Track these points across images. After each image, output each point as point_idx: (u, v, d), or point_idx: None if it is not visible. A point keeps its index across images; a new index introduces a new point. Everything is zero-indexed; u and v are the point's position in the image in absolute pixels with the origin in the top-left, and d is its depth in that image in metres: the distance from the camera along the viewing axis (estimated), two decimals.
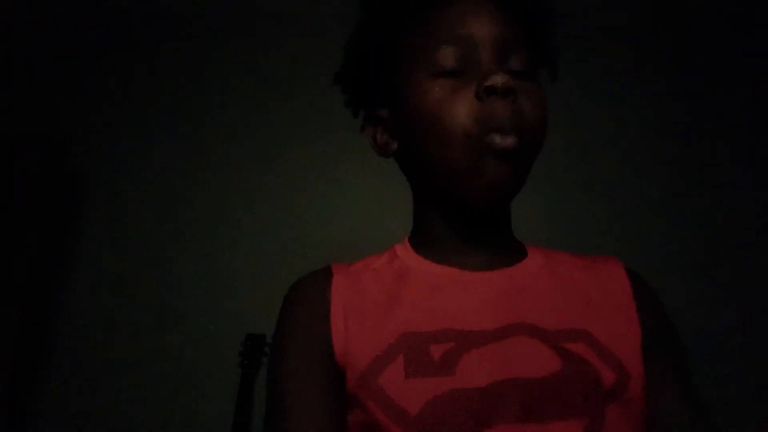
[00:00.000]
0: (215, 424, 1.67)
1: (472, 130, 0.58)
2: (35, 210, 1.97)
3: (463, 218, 0.65)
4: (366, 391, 0.55)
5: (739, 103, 2.07)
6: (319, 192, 2.03)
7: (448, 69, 0.61)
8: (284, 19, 2.20)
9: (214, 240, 1.97)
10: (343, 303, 0.61)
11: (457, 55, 0.61)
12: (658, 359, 0.60)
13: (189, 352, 1.82)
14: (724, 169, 2.01)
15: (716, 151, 2.03)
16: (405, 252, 0.67)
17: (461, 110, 0.59)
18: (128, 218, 2.00)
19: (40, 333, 1.86)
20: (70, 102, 2.12)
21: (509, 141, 0.57)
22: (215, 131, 2.11)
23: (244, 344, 1.75)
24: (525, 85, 0.61)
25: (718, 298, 1.83)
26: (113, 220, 2.00)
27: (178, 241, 1.97)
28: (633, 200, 1.99)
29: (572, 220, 1.92)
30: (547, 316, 0.59)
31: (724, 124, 2.06)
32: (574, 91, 1.98)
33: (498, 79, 0.57)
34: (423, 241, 0.67)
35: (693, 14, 2.12)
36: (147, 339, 1.84)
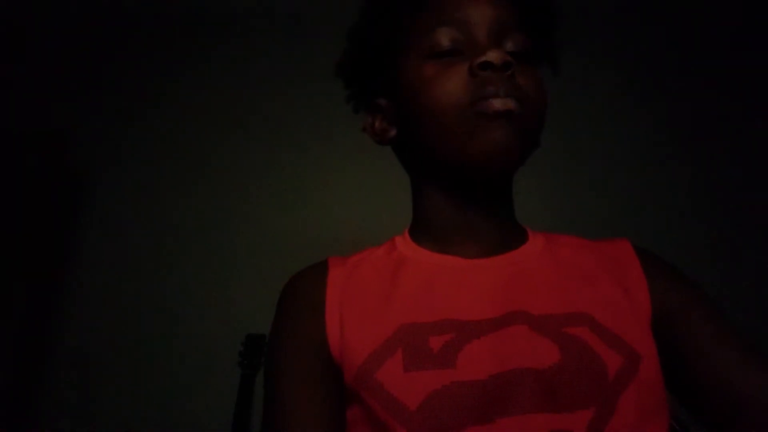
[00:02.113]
0: (215, 424, 1.67)
1: (464, 100, 0.57)
2: (35, 209, 1.97)
3: (464, 196, 0.63)
4: (364, 387, 0.53)
5: (742, 95, 2.06)
6: (319, 191, 2.03)
7: (443, 50, 0.60)
8: (284, 19, 2.20)
9: (214, 240, 1.96)
10: (339, 297, 0.60)
11: (451, 37, 0.60)
12: (699, 323, 0.57)
13: (189, 353, 1.81)
14: (730, 162, 2.01)
15: (722, 144, 2.02)
16: (404, 243, 0.66)
17: (452, 83, 0.58)
18: (128, 218, 1.99)
19: (40, 333, 1.85)
20: (70, 100, 2.12)
21: (508, 103, 0.56)
22: (215, 131, 2.10)
23: (244, 344, 1.74)
24: (522, 66, 0.60)
25: (723, 292, 1.81)
26: (113, 220, 1.99)
27: (178, 240, 1.96)
28: (637, 195, 1.98)
29: (576, 214, 1.91)
30: (547, 302, 0.57)
31: (730, 116, 2.05)
32: (579, 82, 1.97)
33: (494, 55, 0.56)
34: (422, 231, 0.66)
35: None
36: (147, 339, 1.83)
